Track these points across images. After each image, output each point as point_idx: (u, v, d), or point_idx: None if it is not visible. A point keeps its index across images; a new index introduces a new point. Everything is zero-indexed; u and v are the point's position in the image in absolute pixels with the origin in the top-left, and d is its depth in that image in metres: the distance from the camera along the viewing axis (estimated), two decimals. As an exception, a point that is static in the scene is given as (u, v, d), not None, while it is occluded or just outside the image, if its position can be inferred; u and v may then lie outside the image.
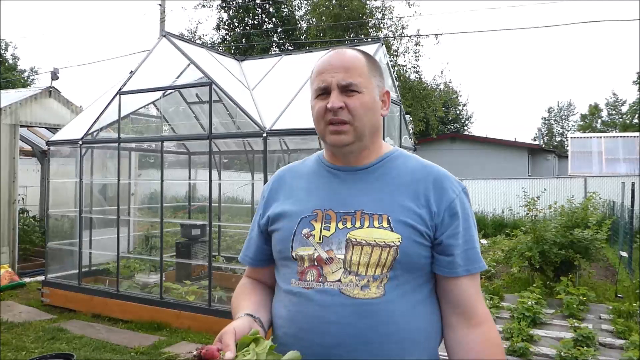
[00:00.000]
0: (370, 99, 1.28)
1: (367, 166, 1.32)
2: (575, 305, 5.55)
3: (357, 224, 1.23)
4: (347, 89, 1.25)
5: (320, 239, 1.25)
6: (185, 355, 4.59)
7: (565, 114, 50.10)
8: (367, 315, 1.18)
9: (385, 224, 1.22)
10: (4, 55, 30.48)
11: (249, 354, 1.12)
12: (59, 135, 7.02)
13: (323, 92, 1.28)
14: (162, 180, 5.88)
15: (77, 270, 6.35)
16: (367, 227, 1.22)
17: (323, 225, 1.26)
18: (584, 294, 5.87)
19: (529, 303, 5.41)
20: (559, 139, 48.01)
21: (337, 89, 1.25)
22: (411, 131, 19.65)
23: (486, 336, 1.24)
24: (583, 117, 47.54)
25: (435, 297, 1.30)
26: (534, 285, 6.41)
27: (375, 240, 1.21)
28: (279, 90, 5.93)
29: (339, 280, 1.21)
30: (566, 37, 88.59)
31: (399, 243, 1.20)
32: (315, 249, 1.25)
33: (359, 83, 1.25)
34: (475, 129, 58.16)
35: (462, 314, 1.26)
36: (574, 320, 5.16)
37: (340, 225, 1.25)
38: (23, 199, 10.28)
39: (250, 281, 1.47)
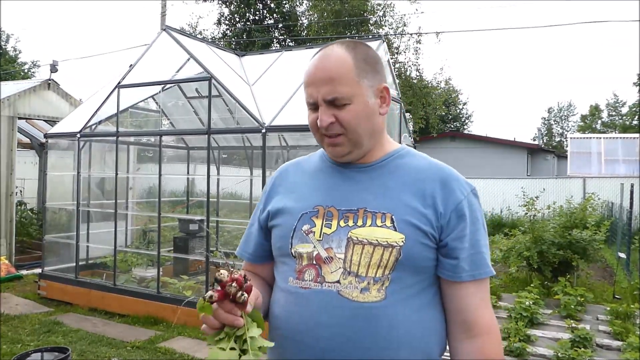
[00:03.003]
0: (362, 106, 1.20)
1: (372, 164, 1.27)
2: (572, 306, 5.54)
3: (359, 222, 1.18)
4: (334, 103, 1.19)
5: (320, 237, 1.21)
6: (180, 349, 4.58)
7: (565, 114, 50.09)
8: (366, 320, 1.13)
9: (388, 223, 1.17)
10: (5, 47, 30.37)
11: (255, 329, 1.06)
12: (57, 128, 6.99)
13: (312, 105, 1.23)
14: (160, 175, 5.86)
15: (75, 264, 6.34)
16: (370, 226, 1.17)
17: (324, 223, 1.22)
18: (582, 295, 5.86)
19: (527, 303, 5.40)
20: (559, 139, 48.02)
21: (324, 104, 1.19)
22: (411, 129, 19.67)
23: (482, 350, 1.18)
24: (583, 117, 47.54)
25: (440, 302, 1.25)
26: (531, 285, 6.40)
27: (377, 240, 1.16)
28: (278, 86, 5.90)
29: (338, 282, 1.16)
30: (568, 37, 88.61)
31: (402, 243, 1.15)
32: (314, 247, 1.21)
33: (345, 94, 1.18)
34: (475, 128, 58.17)
35: (462, 323, 1.20)
36: (572, 321, 5.16)
37: (342, 223, 1.20)
38: (21, 191, 10.24)
39: (249, 274, 1.42)
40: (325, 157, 1.34)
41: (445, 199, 1.20)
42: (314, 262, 1.20)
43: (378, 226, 1.17)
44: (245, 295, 1.02)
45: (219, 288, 1.02)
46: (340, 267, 1.17)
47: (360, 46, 1.25)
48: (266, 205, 1.36)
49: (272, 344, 1.07)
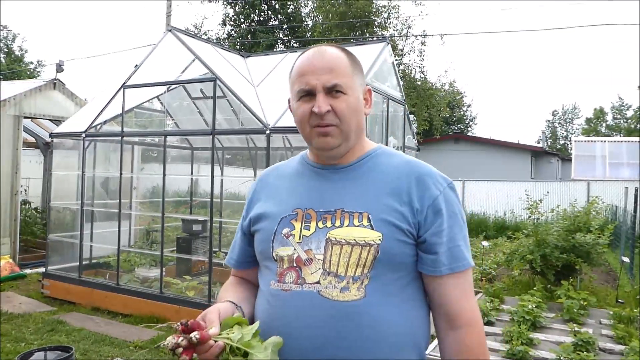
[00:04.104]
0: (355, 99, 1.26)
1: (349, 164, 1.30)
2: (575, 310, 5.52)
3: (337, 223, 1.22)
4: (332, 91, 1.22)
5: (300, 239, 1.24)
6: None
7: (570, 117, 49.97)
8: (347, 318, 1.16)
9: (365, 222, 1.20)
10: (11, 46, 30.51)
11: (234, 333, 1.13)
12: (62, 128, 7.02)
13: (306, 94, 1.24)
14: (164, 175, 5.88)
15: (78, 263, 6.36)
16: (347, 226, 1.20)
17: (303, 225, 1.25)
18: (585, 299, 5.84)
19: (529, 306, 5.39)
20: (563, 142, 47.89)
21: (322, 91, 1.22)
22: (415, 131, 19.65)
23: (464, 341, 1.21)
24: (588, 120, 47.40)
25: (424, 297, 1.28)
26: (534, 288, 6.38)
27: (355, 239, 1.18)
28: (283, 87, 5.89)
29: (318, 282, 1.19)
30: (573, 39, 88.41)
31: (379, 241, 1.18)
32: (294, 249, 1.23)
33: (344, 84, 1.23)
34: (479, 130, 58.10)
35: (445, 316, 1.24)
36: (574, 325, 5.14)
37: (320, 225, 1.23)
38: (25, 190, 10.30)
39: (236, 278, 1.47)
40: (304, 161, 1.38)
41: (421, 196, 1.23)
42: (295, 265, 1.23)
43: (355, 226, 1.20)
44: (196, 333, 1.08)
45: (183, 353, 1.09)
46: (320, 268, 1.20)
47: (348, 51, 1.31)
48: (249, 212, 1.40)
49: None
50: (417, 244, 1.22)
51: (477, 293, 6.82)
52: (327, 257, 1.20)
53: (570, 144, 27.82)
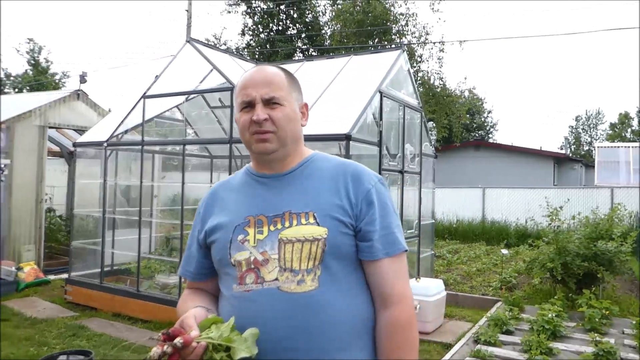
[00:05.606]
0: (291, 110, 1.40)
1: (290, 170, 1.43)
2: (597, 319, 5.42)
3: (287, 224, 1.34)
4: (270, 102, 1.37)
5: (255, 243, 1.35)
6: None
7: (594, 122, 49.08)
8: (305, 307, 1.28)
9: (311, 220, 1.33)
10: (37, 58, 31.33)
11: (212, 332, 1.21)
12: (85, 137, 7.19)
13: (247, 106, 1.38)
14: (183, 183, 5.97)
15: (100, 270, 6.49)
16: (296, 226, 1.33)
17: (256, 230, 1.36)
18: (607, 308, 5.73)
19: (549, 315, 5.31)
20: (587, 148, 47.04)
21: (260, 102, 1.37)
22: (434, 138, 19.55)
23: (393, 317, 1.33)
24: (612, 126, 46.51)
25: (366, 283, 1.39)
26: (555, 297, 6.29)
27: (304, 236, 1.31)
28: (299, 95, 5.96)
29: (276, 279, 1.30)
30: (596, 43, 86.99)
31: (325, 236, 1.31)
32: (251, 253, 1.34)
33: (280, 96, 1.37)
34: (500, 137, 57.44)
35: (380, 296, 1.36)
36: (596, 335, 5.05)
37: (272, 228, 1.34)
38: (50, 198, 10.54)
39: (194, 290, 1.54)
40: (249, 172, 1.50)
41: (355, 190, 1.38)
42: (252, 267, 1.33)
43: (303, 224, 1.33)
44: (179, 339, 1.17)
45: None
46: (276, 266, 1.31)
47: (287, 70, 1.48)
48: (203, 225, 1.48)
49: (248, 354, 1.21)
50: (355, 234, 1.35)
51: (496, 302, 6.75)
52: (282, 256, 1.32)
53: (594, 150, 27.34)
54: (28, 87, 28.68)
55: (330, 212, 1.33)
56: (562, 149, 36.47)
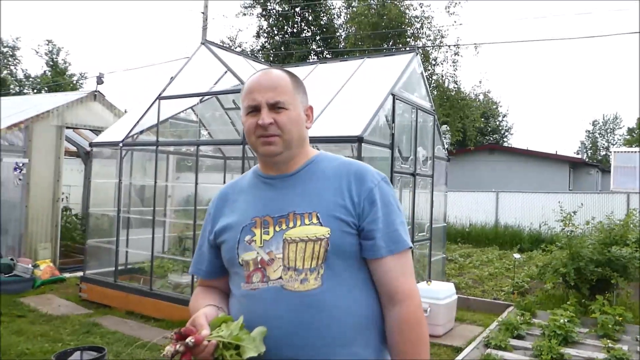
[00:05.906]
0: (296, 114, 1.44)
1: (295, 171, 1.46)
2: (610, 325, 5.36)
3: (291, 225, 1.37)
4: (275, 106, 1.39)
5: (261, 243, 1.38)
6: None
7: (611, 127, 48.43)
8: (309, 305, 1.31)
9: (315, 220, 1.35)
10: (56, 60, 31.83)
11: (223, 331, 1.26)
12: (101, 137, 7.31)
13: (253, 110, 1.41)
14: (196, 184, 6.03)
15: (114, 268, 6.58)
16: (300, 226, 1.36)
17: (263, 231, 1.39)
18: (621, 314, 5.66)
19: (561, 321, 5.27)
20: (604, 153, 46.41)
21: (266, 106, 1.39)
22: (448, 141, 19.44)
23: (402, 315, 1.34)
24: (630, 130, 45.81)
25: (371, 281, 1.41)
26: (568, 302, 6.23)
27: (307, 236, 1.34)
28: (312, 98, 5.94)
29: (281, 277, 1.34)
30: (614, 47, 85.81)
31: (328, 235, 1.33)
32: (257, 253, 1.38)
33: (285, 100, 1.40)
34: (515, 141, 56.90)
35: (386, 294, 1.37)
36: (608, 341, 4.99)
37: (277, 228, 1.38)
38: (67, 197, 10.70)
39: (205, 288, 1.58)
40: (256, 173, 1.53)
41: (358, 190, 1.40)
42: (259, 266, 1.38)
43: (306, 224, 1.36)
44: (191, 338, 1.22)
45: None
46: (281, 265, 1.35)
47: (292, 73, 1.51)
48: (213, 226, 1.53)
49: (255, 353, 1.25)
50: (359, 233, 1.37)
51: (508, 306, 6.71)
52: (286, 255, 1.35)
53: (611, 154, 26.97)
54: (46, 88, 29.16)
55: (333, 212, 1.36)
56: (578, 153, 36.06)
